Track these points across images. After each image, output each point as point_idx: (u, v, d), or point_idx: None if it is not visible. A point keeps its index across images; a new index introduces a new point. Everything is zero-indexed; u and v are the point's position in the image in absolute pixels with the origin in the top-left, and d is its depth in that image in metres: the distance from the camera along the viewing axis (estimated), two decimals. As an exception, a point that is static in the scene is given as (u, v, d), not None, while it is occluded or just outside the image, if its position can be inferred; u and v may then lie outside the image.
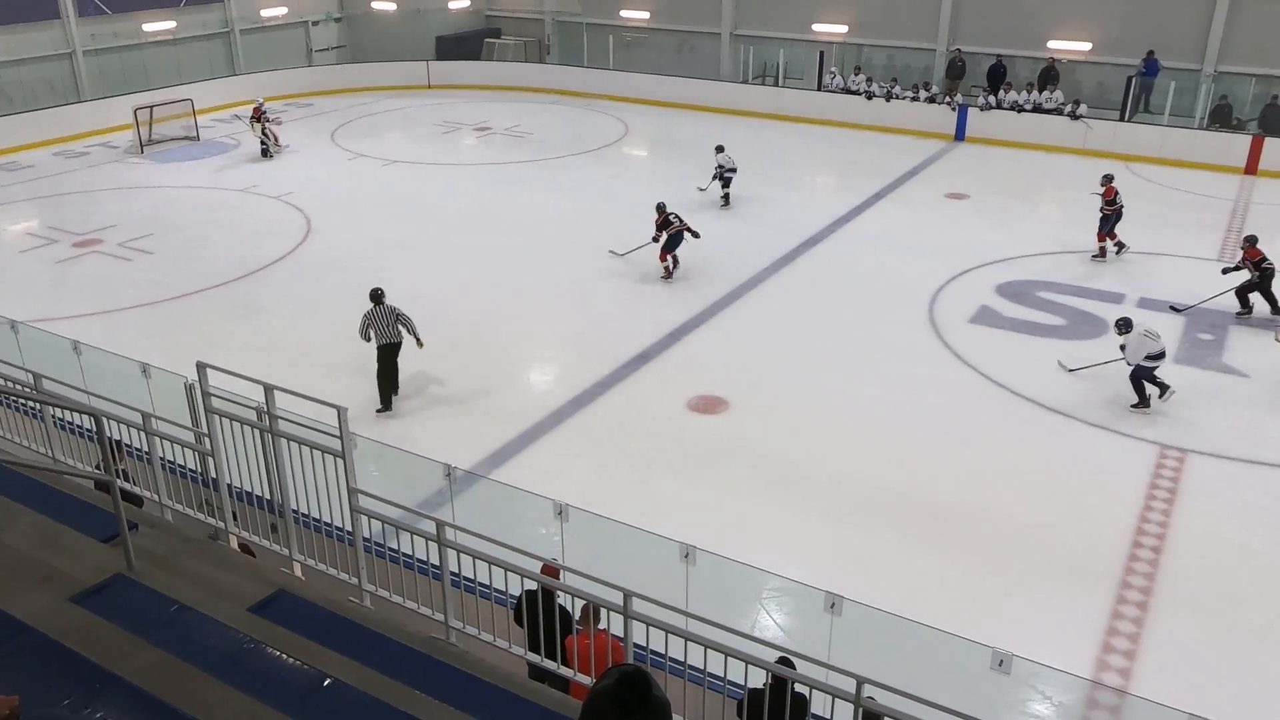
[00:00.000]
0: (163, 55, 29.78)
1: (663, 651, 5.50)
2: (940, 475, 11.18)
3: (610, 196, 21.57)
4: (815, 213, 20.26)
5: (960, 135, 26.18)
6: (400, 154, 24.83)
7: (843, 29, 29.48)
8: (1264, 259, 14.99)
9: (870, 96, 27.46)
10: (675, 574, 7.56)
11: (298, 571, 6.54)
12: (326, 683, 4.55)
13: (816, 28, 29.76)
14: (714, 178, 20.71)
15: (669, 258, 16.67)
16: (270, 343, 14.36)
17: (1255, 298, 15.17)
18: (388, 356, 12.56)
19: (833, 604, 6.99)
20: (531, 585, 6.08)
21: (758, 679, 5.35)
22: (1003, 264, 17.42)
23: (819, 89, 28.83)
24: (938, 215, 20.33)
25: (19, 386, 7.70)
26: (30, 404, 8.04)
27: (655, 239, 16.57)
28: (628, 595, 5.60)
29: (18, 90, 26.61)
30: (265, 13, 32.30)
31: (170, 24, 29.71)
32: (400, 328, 12.57)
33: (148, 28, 29.19)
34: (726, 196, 20.70)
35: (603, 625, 6.22)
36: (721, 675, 5.32)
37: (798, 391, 13.02)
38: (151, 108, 25.64)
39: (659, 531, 8.18)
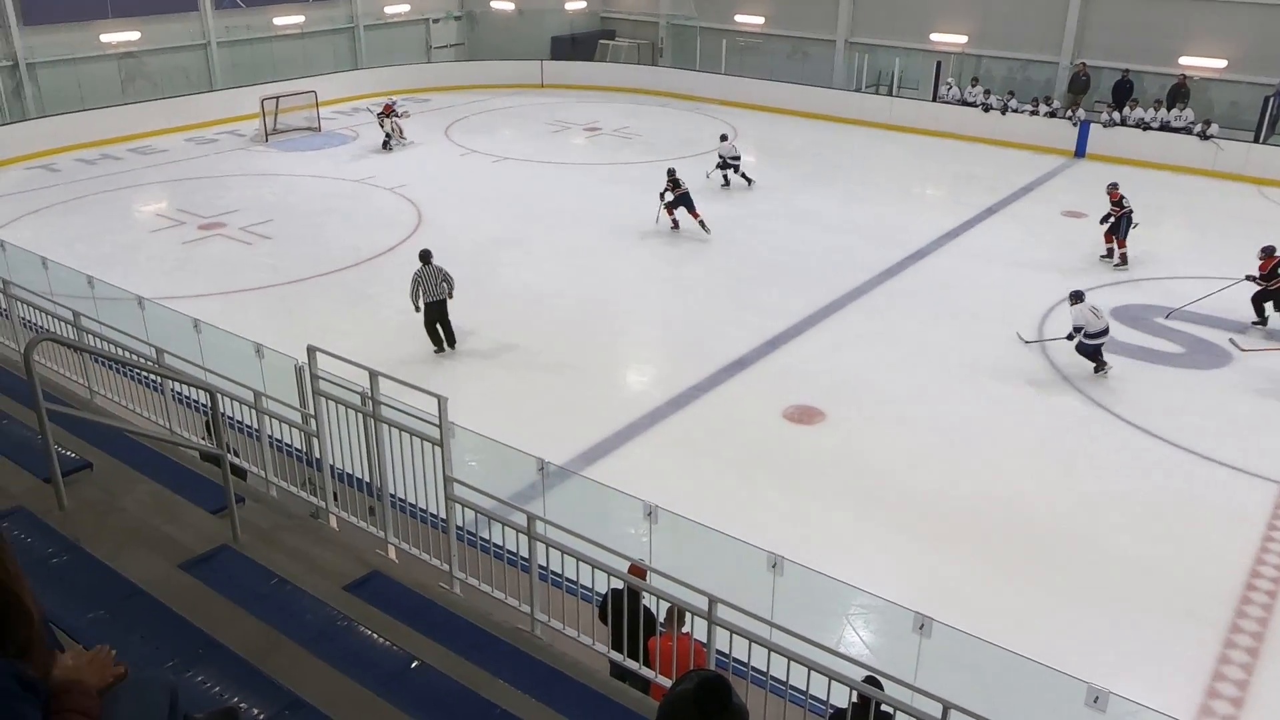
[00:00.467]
0: (290, 48, 30.90)
1: (745, 660, 5.46)
2: (1041, 501, 10.84)
3: (714, 199, 21.47)
4: (923, 225, 19.87)
5: (1081, 152, 25.32)
6: (511, 151, 25.24)
7: (962, 39, 28.84)
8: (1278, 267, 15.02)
9: (987, 109, 26.80)
10: (762, 583, 7.50)
11: (392, 554, 6.70)
12: (414, 665, 4.65)
13: (935, 37, 29.17)
14: (716, 166, 21.97)
15: (673, 214, 18.84)
16: (377, 330, 14.75)
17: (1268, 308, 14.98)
18: (432, 311, 13.93)
19: (921, 625, 6.84)
20: (617, 584, 6.11)
21: (840, 696, 5.27)
22: (1120, 286, 16.79)
23: (934, 99, 28.26)
24: (1052, 233, 19.71)
25: (143, 360, 8.08)
26: (152, 377, 8.43)
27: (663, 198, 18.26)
28: (713, 600, 5.58)
29: (157, 79, 27.92)
30: (389, 9, 33.23)
31: (299, 18, 30.81)
32: (444, 286, 13.95)
33: (278, 21, 30.32)
34: (727, 178, 22.13)
35: (685, 629, 6.21)
36: (804, 689, 5.26)
37: (896, 406, 12.78)
38: (277, 98, 26.63)
39: (747, 539, 8.13)
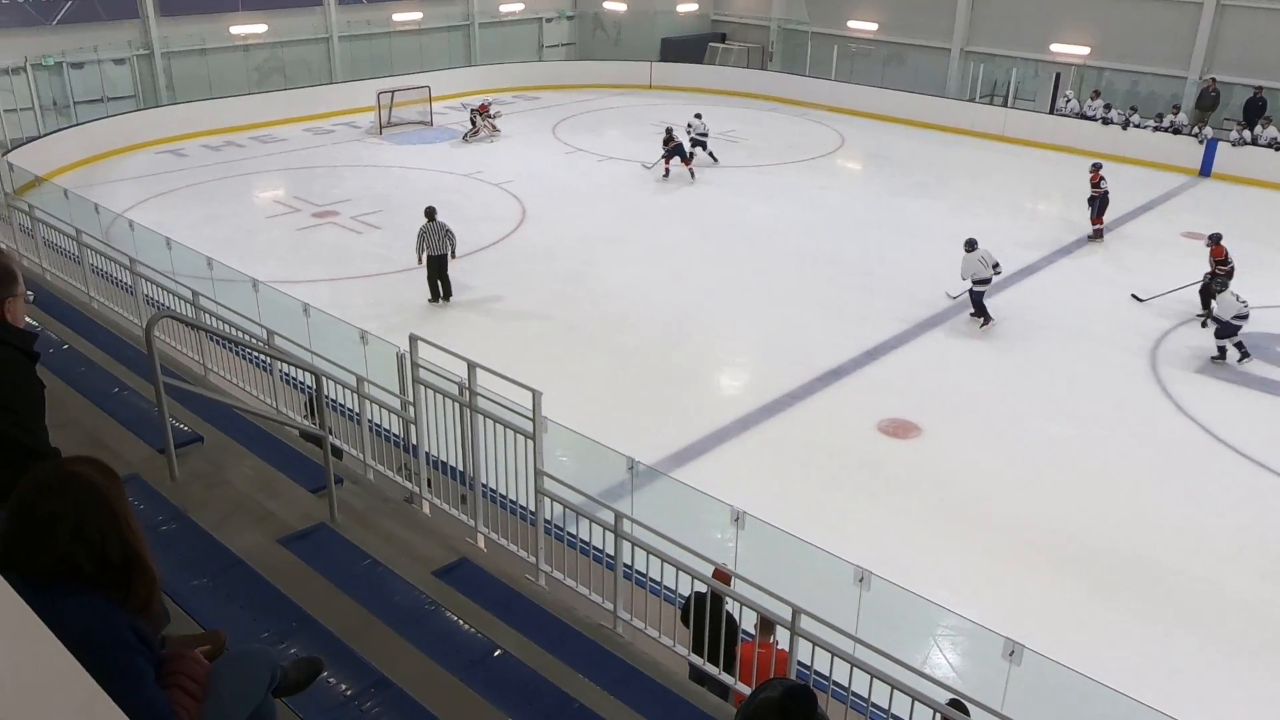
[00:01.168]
0: (407, 44, 31.69)
1: (826, 674, 5.39)
2: (1144, 531, 10.42)
3: (817, 207, 21.30)
4: (1033, 240, 19.31)
5: (1206, 171, 24.26)
6: (616, 151, 25.39)
7: (1084, 50, 27.92)
8: (1226, 259, 15.46)
9: (1107, 123, 25.88)
10: (847, 596, 7.39)
11: (481, 543, 6.81)
12: (496, 653, 4.71)
13: (1055, 48, 28.31)
14: (691, 143, 23.14)
15: (668, 164, 21.27)
16: (477, 322, 15.01)
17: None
18: (434, 265, 15.39)
19: (1012, 651, 6.64)
20: (700, 587, 6.09)
21: (923, 717, 5.16)
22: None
23: (1051, 112, 27.43)
24: (1171, 254, 18.92)
25: (254, 340, 8.38)
26: (262, 357, 8.74)
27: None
28: (796, 611, 5.52)
29: (280, 70, 28.97)
30: (504, 8, 33.81)
31: (418, 15, 31.58)
32: (446, 242, 15.32)
33: (397, 17, 31.13)
34: (692, 155, 23.12)
35: (774, 638, 6.16)
36: (886, 708, 5.16)
37: (996, 426, 12.44)
38: (393, 92, 27.35)
39: (835, 551, 8.02)
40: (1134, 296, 14.95)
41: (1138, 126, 25.44)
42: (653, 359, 14.03)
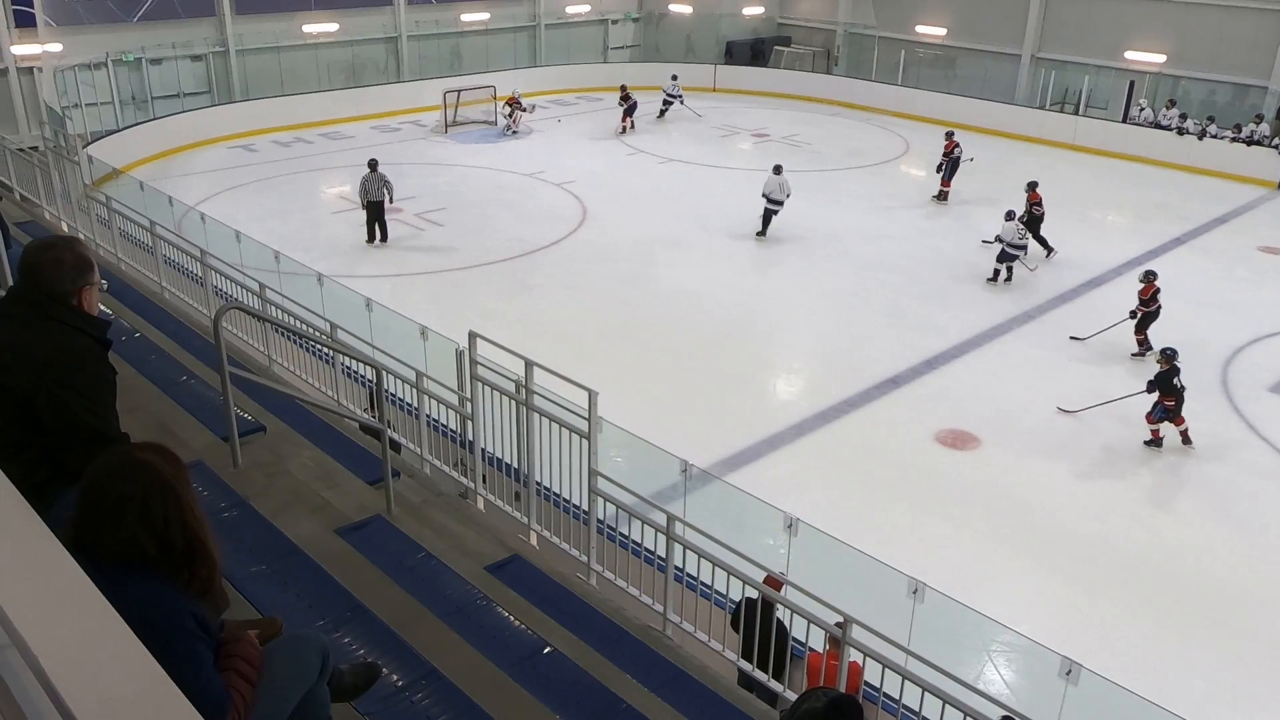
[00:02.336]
0: (474, 44, 32.03)
1: (877, 685, 5.32)
2: (1210, 554, 10.13)
3: (879, 213, 21.07)
4: (1102, 252, 18.90)
5: (1287, 183, 23.52)
6: (677, 153, 25.37)
7: (1160, 58, 27.25)
8: (1039, 202, 18.16)
9: (1182, 133, 25.21)
10: (900, 608, 7.29)
11: (533, 540, 6.84)
12: (546, 650, 4.74)
13: (1129, 55, 27.67)
14: (664, 102, 25.29)
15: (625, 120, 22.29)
16: (535, 321, 15.11)
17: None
18: (372, 210, 17.96)
19: (1069, 670, 6.50)
20: (751, 593, 6.05)
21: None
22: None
23: (1124, 121, 26.82)
24: (1246, 269, 18.40)
25: (318, 333, 8.53)
26: (324, 350, 8.89)
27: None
28: (848, 621, 5.46)
29: (349, 68, 29.46)
30: (570, 9, 33.99)
31: (485, 15, 31.90)
32: (383, 190, 17.74)
33: (465, 17, 31.48)
34: (662, 113, 25.86)
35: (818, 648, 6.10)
36: (937, 722, 5.08)
37: (1058, 439, 12.19)
38: (459, 92, 27.66)
39: (888, 562, 7.92)
40: (1073, 338, 14.67)
41: (1214, 137, 24.76)
42: (710, 362, 13.99)
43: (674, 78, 25.25)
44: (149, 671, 1.57)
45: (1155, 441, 12.00)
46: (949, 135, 22.06)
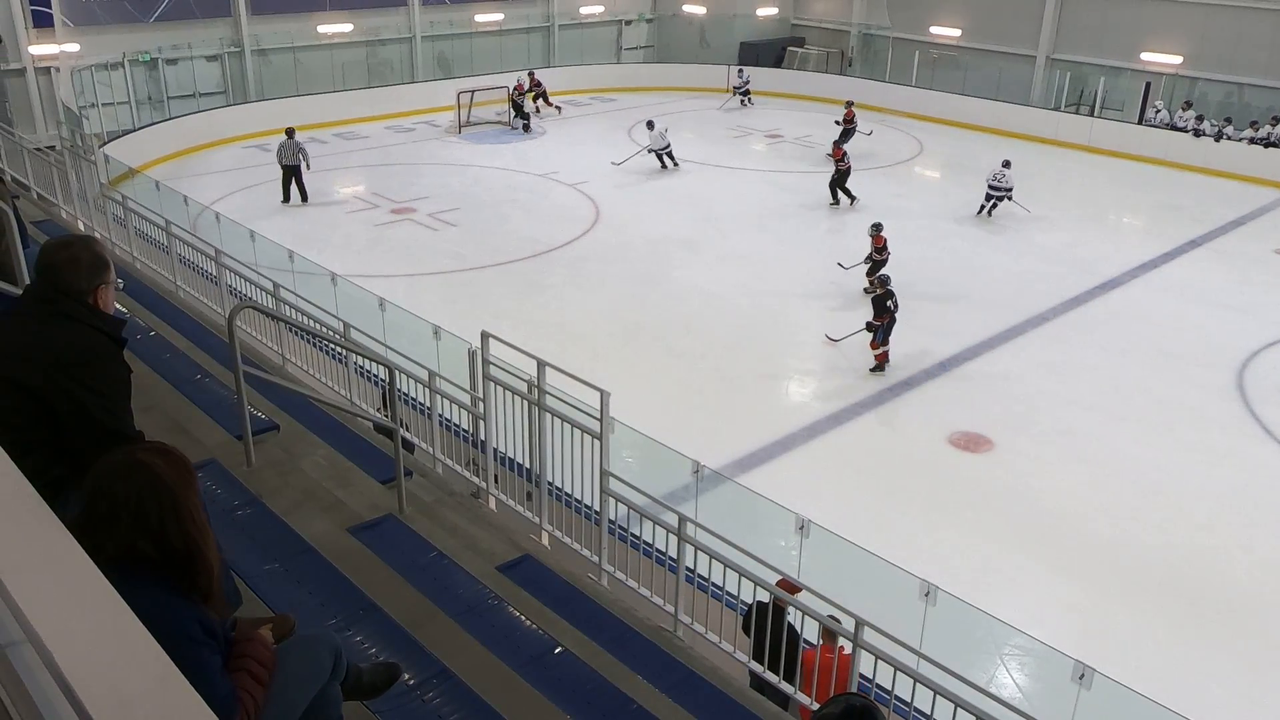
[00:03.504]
0: (488, 44, 32.08)
1: (889, 688, 5.31)
2: (1227, 560, 10.06)
3: (893, 214, 20.96)
4: (1117, 254, 18.80)
5: (1303, 186, 23.34)
6: (690, 154, 25.34)
7: (1176, 60, 27.09)
8: (844, 158, 21.05)
9: (1198, 135, 25.05)
10: (912, 611, 7.27)
11: (545, 540, 6.85)
12: (557, 650, 4.74)
13: (1145, 56, 27.52)
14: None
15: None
16: (547, 321, 15.12)
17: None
18: (287, 173, 20.03)
19: (1082, 675, 6.46)
20: (763, 596, 6.04)
21: (987, 737, 5.05)
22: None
23: (1140, 122, 26.67)
24: (1263, 273, 18.27)
25: (331, 332, 8.56)
26: (338, 349, 8.92)
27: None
28: (860, 623, 5.45)
29: (364, 69, 29.56)
30: (584, 10, 34.03)
31: (499, 16, 31.95)
32: (299, 155, 19.82)
33: (479, 18, 31.55)
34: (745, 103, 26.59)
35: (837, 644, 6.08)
36: (949, 725, 5.07)
37: (1071, 443, 12.13)
38: (472, 92, 27.70)
39: (900, 564, 7.90)
40: (828, 337, 14.67)
41: (1231, 139, 24.60)
42: (722, 363, 13.98)
43: (740, 70, 25.67)
44: (162, 667, 1.58)
45: (879, 366, 13.73)
46: (849, 104, 24.27)
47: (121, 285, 8.10)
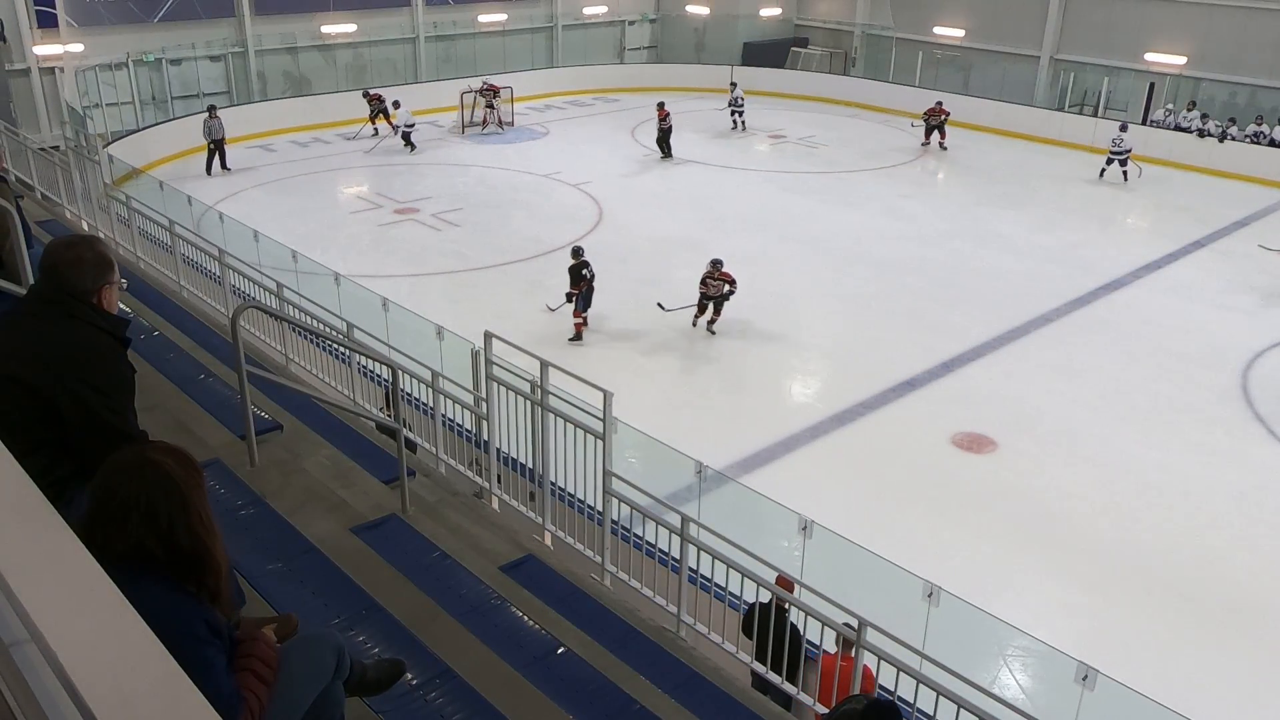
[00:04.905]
0: (491, 44, 32.09)
1: (892, 689, 5.31)
2: (1232, 562, 10.04)
3: (897, 216, 21.01)
4: (1121, 255, 18.78)
5: (1308, 186, 23.28)
6: (694, 154, 25.34)
7: (1180, 60, 27.04)
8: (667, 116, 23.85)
9: (1203, 135, 25.01)
10: (915, 612, 7.27)
11: (548, 540, 6.86)
12: (559, 650, 4.74)
13: (1149, 57, 27.48)
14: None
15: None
16: (551, 321, 15.11)
17: None
18: (212, 150, 22.26)
19: (1085, 676, 6.46)
20: (764, 596, 6.04)
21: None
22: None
23: (1144, 123, 26.62)
24: (1266, 273, 18.24)
25: (334, 332, 8.57)
26: (341, 349, 8.93)
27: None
28: (863, 624, 5.45)
29: (367, 69, 29.57)
30: (587, 10, 34.02)
31: (502, 16, 31.95)
32: (222, 130, 22.09)
33: (482, 18, 31.55)
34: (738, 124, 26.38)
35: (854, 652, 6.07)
36: (952, 726, 5.06)
37: (1075, 444, 12.12)
38: (475, 93, 27.69)
39: (904, 565, 7.89)
40: (659, 305, 15.09)
41: (1235, 140, 24.56)
42: (726, 364, 13.98)
43: (734, 85, 25.65)
44: (166, 667, 1.58)
45: (577, 335, 14.34)
46: (660, 105, 24.69)
47: (125, 285, 8.10)
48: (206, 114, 22.56)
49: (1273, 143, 24.03)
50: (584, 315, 14.46)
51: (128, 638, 1.63)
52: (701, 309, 14.74)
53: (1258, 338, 15.10)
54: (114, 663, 1.57)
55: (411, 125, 24.90)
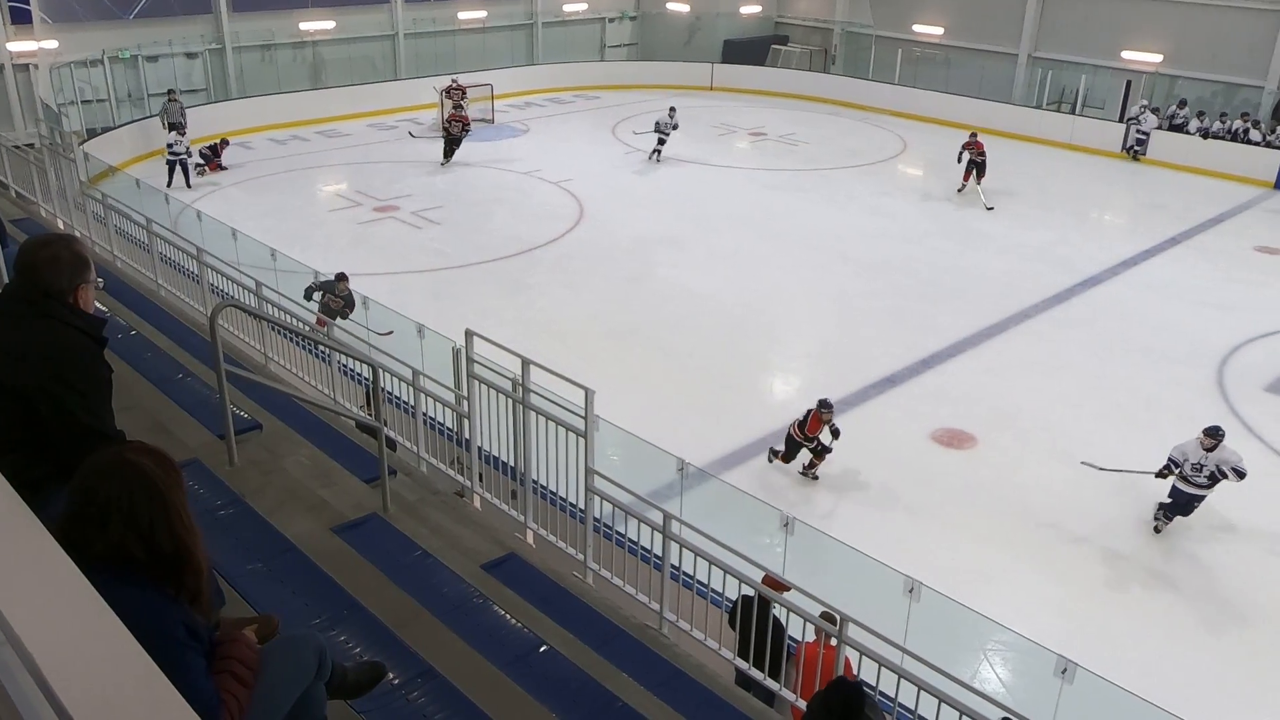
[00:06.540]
0: (471, 42, 31.97)
1: (873, 684, 5.33)
2: (1208, 554, 10.14)
3: (878, 213, 21.09)
4: (1099, 252, 18.91)
5: (1281, 184, 23.54)
6: (675, 152, 25.34)
7: (1157, 58, 27.27)
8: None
9: (1177, 129, 25.22)
10: (896, 607, 7.30)
11: (530, 539, 6.85)
12: (542, 649, 4.74)
13: (1126, 55, 27.70)
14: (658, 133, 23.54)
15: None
16: (532, 319, 15.09)
17: None
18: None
19: (1064, 669, 6.51)
20: (748, 590, 6.06)
21: (971, 732, 5.08)
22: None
23: (1121, 120, 26.84)
24: (1242, 269, 18.42)
25: (314, 331, 8.52)
26: (321, 348, 8.89)
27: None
28: (844, 619, 5.48)
29: (346, 66, 29.39)
30: (567, 7, 33.97)
31: (482, 13, 31.84)
32: (181, 115, 22.05)
33: (463, 15, 31.43)
34: (657, 153, 24.10)
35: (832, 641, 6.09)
36: (933, 720, 5.10)
37: (1054, 439, 12.20)
38: (443, 92, 27.53)
39: (884, 560, 7.93)
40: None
41: (1215, 137, 24.78)
42: (707, 361, 13.99)
43: (673, 110, 24.11)
44: (145, 670, 1.57)
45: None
46: (462, 101, 24.88)
47: (102, 284, 8.05)
48: (166, 97, 22.51)
49: (1249, 140, 24.27)
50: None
51: (106, 639, 1.61)
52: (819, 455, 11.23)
53: (1234, 333, 15.24)
54: (92, 665, 1.56)
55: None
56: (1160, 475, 10.29)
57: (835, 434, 11.14)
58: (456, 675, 4.15)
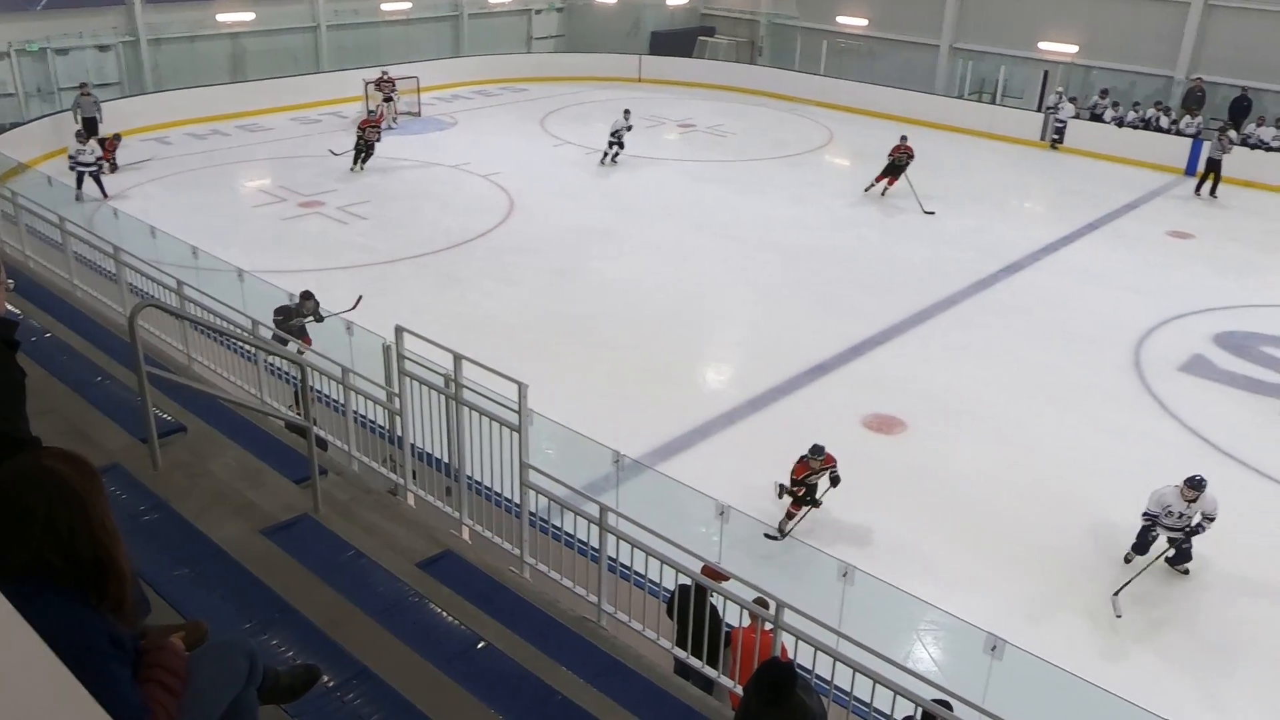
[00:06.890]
0: (395, 34, 31.50)
1: (810, 668, 5.41)
2: (1128, 533, 10.46)
3: (805, 203, 21.34)
4: (1020, 239, 19.38)
5: (1191, 170, 24.34)
6: (603, 144, 25.30)
7: (1072, 49, 28.01)
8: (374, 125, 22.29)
9: (1095, 119, 25.97)
10: (831, 591, 7.42)
11: (465, 535, 6.80)
12: (480, 645, 4.71)
13: (1043, 46, 28.40)
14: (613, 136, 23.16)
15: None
16: (463, 314, 14.95)
17: None
18: (86, 124, 21.49)
19: (994, 646, 6.69)
20: (685, 580, 6.09)
21: (905, 710, 5.18)
22: (1225, 312, 16.14)
23: (1039, 109, 27.52)
24: (1156, 253, 19.05)
25: (239, 330, 8.34)
26: (246, 347, 8.70)
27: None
28: (780, 605, 5.54)
29: (267, 59, 28.75)
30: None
31: (406, 4, 31.37)
32: (95, 109, 21.94)
33: (385, 7, 30.92)
34: (613, 158, 23.36)
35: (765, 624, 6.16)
36: (868, 702, 5.19)
37: (980, 422, 12.49)
38: (372, 83, 27.14)
39: (818, 546, 8.05)
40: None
41: (1129, 125, 25.54)
42: (640, 353, 14.02)
43: (627, 112, 23.19)
44: (63, 683, 1.52)
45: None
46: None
47: (13, 285, 7.77)
48: (78, 91, 21.90)
49: (1159, 128, 25.06)
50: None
51: (21, 652, 1.56)
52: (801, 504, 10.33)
53: (1148, 315, 15.74)
54: (8, 681, 1.50)
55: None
56: (1144, 542, 9.80)
57: (835, 482, 10.11)
58: (393, 675, 4.11)
